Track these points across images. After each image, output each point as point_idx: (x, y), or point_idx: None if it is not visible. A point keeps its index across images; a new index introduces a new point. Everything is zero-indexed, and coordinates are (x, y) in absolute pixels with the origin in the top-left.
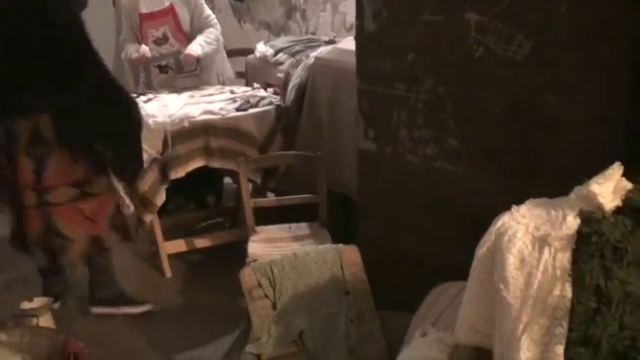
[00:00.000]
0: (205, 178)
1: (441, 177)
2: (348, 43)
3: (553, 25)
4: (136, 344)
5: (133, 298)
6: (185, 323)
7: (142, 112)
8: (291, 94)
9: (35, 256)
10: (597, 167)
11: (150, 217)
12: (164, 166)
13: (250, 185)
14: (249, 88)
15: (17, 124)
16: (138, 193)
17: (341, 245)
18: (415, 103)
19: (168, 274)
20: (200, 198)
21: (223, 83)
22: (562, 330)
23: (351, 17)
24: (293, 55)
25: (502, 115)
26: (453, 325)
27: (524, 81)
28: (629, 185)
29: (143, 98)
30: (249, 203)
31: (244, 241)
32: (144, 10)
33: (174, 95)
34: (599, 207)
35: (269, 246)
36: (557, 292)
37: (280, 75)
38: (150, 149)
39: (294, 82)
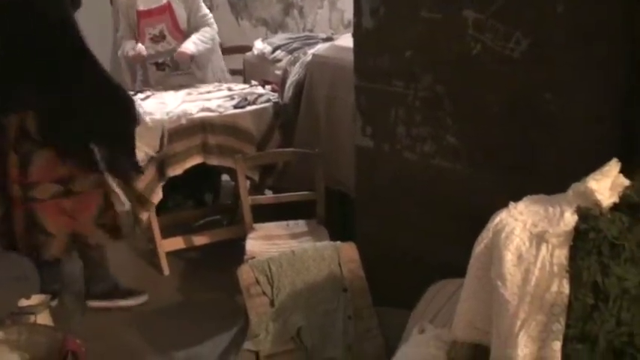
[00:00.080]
0: (203, 176)
1: (438, 174)
2: (346, 40)
3: (550, 23)
4: (134, 341)
5: (128, 290)
6: (183, 320)
7: (140, 110)
8: (288, 91)
9: (21, 252)
10: (595, 164)
11: (146, 215)
12: (161, 163)
13: (248, 183)
14: (246, 86)
15: (8, 118)
16: (134, 191)
17: (339, 242)
18: (413, 100)
19: (166, 271)
20: (198, 195)
21: (219, 82)
22: (559, 326)
23: (349, 14)
24: (291, 52)
25: (500, 112)
26: (450, 321)
27: (522, 79)
28: (626, 182)
29: (141, 96)
30: (247, 200)
31: (242, 239)
32: (141, 8)
33: (171, 93)
34: (597, 203)
35: (267, 243)
36: (554, 288)
37: (278, 72)
38: (147, 147)
39: (291, 79)
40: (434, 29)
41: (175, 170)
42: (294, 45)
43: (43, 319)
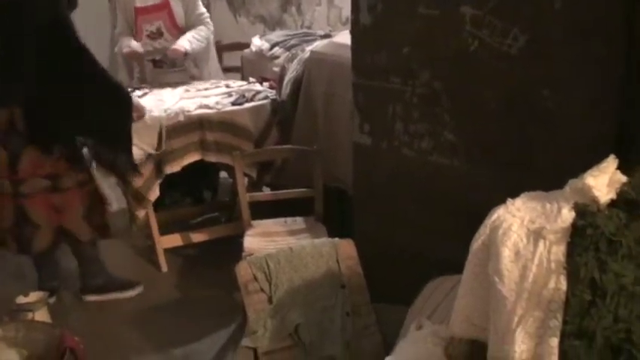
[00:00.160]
0: (201, 173)
1: (436, 171)
2: (344, 37)
3: (548, 19)
4: (132, 338)
5: (124, 282)
6: (181, 317)
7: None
8: (286, 88)
9: (9, 247)
10: (592, 161)
11: (143, 213)
12: (159, 161)
13: (246, 179)
14: (244, 83)
15: None
16: (131, 188)
17: (337, 239)
18: (411, 97)
19: (165, 268)
20: (196, 192)
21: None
22: (557, 322)
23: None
24: (289, 49)
25: (498, 108)
26: (448, 318)
27: (520, 75)
28: (623, 178)
29: (138, 93)
30: (245, 197)
31: (240, 236)
32: (139, 4)
33: (169, 90)
34: (594, 200)
35: (265, 240)
36: (552, 284)
37: (276, 69)
38: (145, 145)
39: (289, 76)
40: (431, 25)
41: (173, 167)
42: (292, 42)
43: (41, 316)
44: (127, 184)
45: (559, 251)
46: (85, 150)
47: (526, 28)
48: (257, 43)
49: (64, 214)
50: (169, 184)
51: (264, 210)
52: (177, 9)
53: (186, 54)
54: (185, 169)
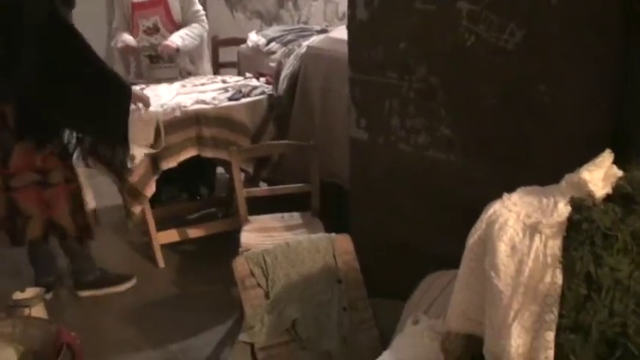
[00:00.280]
0: (198, 169)
1: (433, 166)
2: (340, 32)
3: (544, 14)
4: (129, 334)
5: (117, 276)
6: (178, 313)
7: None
8: (283, 83)
9: (2, 240)
10: (588, 155)
11: (139, 208)
12: (155, 156)
13: (243, 175)
14: (241, 78)
15: None
16: (128, 184)
17: (333, 234)
18: (407, 92)
19: (161, 264)
20: (193, 188)
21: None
22: (552, 316)
23: (344, 6)
24: (285, 44)
25: (494, 103)
26: (444, 313)
27: (516, 70)
28: (619, 173)
29: (136, 88)
30: (242, 193)
31: (237, 231)
32: (135, 0)
33: (165, 85)
34: (590, 194)
35: (262, 235)
36: (547, 279)
37: (272, 64)
38: (141, 141)
39: (286, 71)
40: (428, 20)
41: (169, 163)
42: (289, 37)
43: (38, 312)
44: (123, 180)
45: (555, 245)
46: (71, 146)
47: (523, 24)
48: (254, 38)
49: (54, 208)
50: (166, 179)
51: (260, 205)
52: (174, 5)
53: (177, 50)
54: (182, 164)
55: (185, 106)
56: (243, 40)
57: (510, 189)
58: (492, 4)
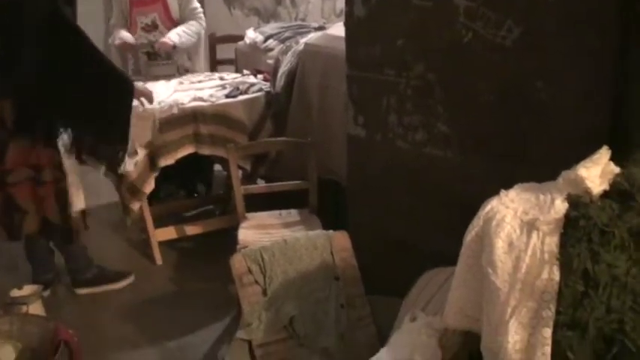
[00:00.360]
0: (195, 166)
1: (430, 163)
2: (338, 29)
3: (542, 11)
4: (127, 331)
5: (115, 273)
6: (176, 310)
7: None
8: (280, 80)
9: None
10: (585, 152)
11: (137, 205)
12: (153, 154)
13: (240, 172)
14: (238, 75)
15: None
16: (126, 181)
17: (331, 231)
18: (405, 88)
19: (159, 261)
20: (190, 185)
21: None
22: (550, 313)
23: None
24: (283, 41)
25: (491, 100)
26: (442, 309)
27: (513, 67)
28: (616, 169)
29: (139, 84)
30: (240, 190)
31: (235, 228)
32: None
33: (163, 82)
34: (587, 191)
35: (259, 232)
36: (545, 275)
37: (270, 61)
38: (139, 138)
39: (283, 68)
40: (425, 17)
41: (167, 160)
42: (286, 34)
43: (36, 309)
44: (121, 177)
45: (552, 242)
46: (67, 145)
47: (520, 20)
48: (251, 35)
49: (48, 205)
50: (164, 176)
51: (258, 202)
52: (172, 2)
53: (174, 47)
54: (179, 161)
55: (182, 104)
56: (241, 37)
57: (507, 186)
58: (489, 1)
